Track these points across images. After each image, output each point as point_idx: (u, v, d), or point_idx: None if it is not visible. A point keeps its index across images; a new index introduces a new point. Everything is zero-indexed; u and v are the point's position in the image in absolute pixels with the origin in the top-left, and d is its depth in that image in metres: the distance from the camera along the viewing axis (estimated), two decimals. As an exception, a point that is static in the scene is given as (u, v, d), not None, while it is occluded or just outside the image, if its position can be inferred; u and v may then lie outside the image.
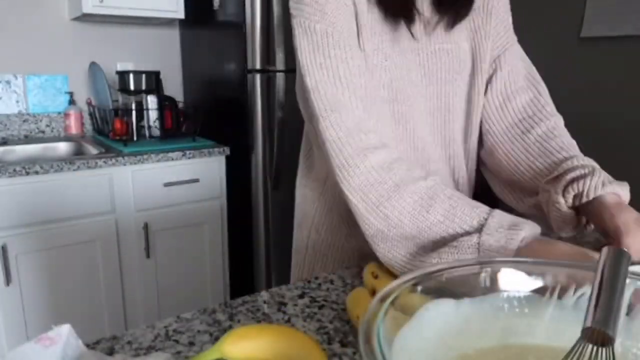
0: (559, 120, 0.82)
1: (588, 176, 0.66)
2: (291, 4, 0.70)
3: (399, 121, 0.77)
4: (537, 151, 0.77)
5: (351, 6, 0.70)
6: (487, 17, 0.83)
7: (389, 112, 0.76)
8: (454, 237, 0.60)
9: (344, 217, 0.83)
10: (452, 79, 0.80)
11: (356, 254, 0.83)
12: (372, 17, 0.72)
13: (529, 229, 0.58)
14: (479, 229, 0.59)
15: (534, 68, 0.89)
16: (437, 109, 0.81)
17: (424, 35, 0.77)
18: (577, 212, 0.69)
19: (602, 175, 0.67)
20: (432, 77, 0.78)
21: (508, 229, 0.58)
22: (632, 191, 0.68)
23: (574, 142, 0.79)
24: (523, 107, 0.83)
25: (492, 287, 0.45)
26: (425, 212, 0.62)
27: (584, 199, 0.66)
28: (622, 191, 0.66)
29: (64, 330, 0.46)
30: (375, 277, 0.62)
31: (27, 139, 2.13)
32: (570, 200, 0.68)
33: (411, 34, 0.74)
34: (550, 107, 0.84)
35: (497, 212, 0.61)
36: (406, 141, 0.79)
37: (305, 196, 0.89)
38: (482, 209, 0.61)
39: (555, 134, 0.78)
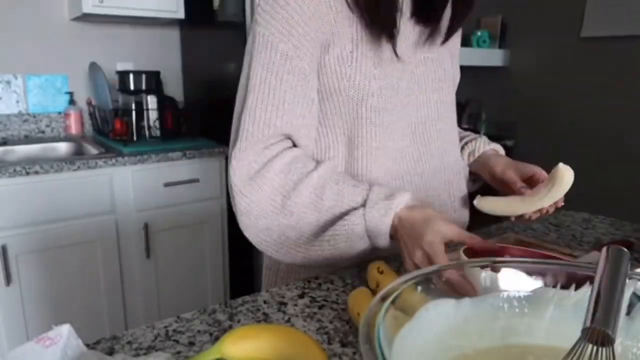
0: None
1: (476, 139, 0.94)
2: (259, 11, 0.69)
3: (386, 129, 0.77)
4: None
5: (328, 26, 0.70)
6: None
7: (378, 121, 0.76)
8: (346, 215, 0.70)
9: None
10: (438, 88, 0.82)
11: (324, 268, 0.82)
12: (358, 30, 0.71)
13: (402, 196, 0.69)
14: (363, 204, 0.70)
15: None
16: (428, 118, 0.82)
17: (411, 44, 0.77)
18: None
19: (484, 138, 0.95)
20: (422, 85, 0.80)
21: (385, 200, 0.69)
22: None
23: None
24: None
25: (492, 287, 0.45)
26: (320, 199, 0.70)
27: (476, 154, 0.92)
28: (498, 148, 0.95)
29: (64, 330, 0.46)
30: (381, 272, 0.63)
31: (27, 139, 2.13)
32: (466, 157, 0.93)
33: (395, 53, 0.73)
34: None
35: (376, 187, 0.72)
36: (388, 150, 0.78)
37: None
38: (363, 186, 0.72)
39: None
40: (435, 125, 0.83)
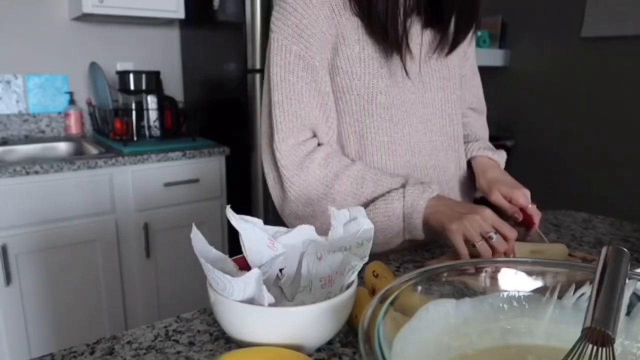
0: (474, 114, 1.01)
1: (471, 142, 0.94)
2: (273, 20, 0.77)
3: (397, 124, 0.82)
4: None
5: (333, 28, 0.76)
6: None
7: (387, 117, 0.81)
8: (387, 193, 0.78)
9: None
10: (443, 86, 0.86)
11: None
12: (363, 33, 0.77)
13: (437, 187, 0.77)
14: (403, 186, 0.77)
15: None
16: (434, 115, 0.86)
17: (417, 46, 0.82)
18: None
19: (484, 144, 0.93)
20: (427, 84, 0.85)
21: (423, 184, 0.77)
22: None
23: (480, 130, 1.01)
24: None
25: (492, 287, 0.45)
26: (360, 187, 0.78)
27: (468, 155, 0.93)
28: (496, 157, 0.91)
29: None
30: (376, 276, 0.62)
31: (27, 139, 2.13)
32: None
33: (405, 71, 0.80)
34: (477, 104, 1.02)
35: (412, 178, 0.80)
36: (404, 144, 0.83)
37: None
38: (400, 177, 0.80)
39: (466, 125, 0.99)
40: (440, 122, 0.87)
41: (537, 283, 0.45)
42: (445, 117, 0.87)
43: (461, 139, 0.92)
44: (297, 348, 0.48)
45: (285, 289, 0.59)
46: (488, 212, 0.69)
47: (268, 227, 0.60)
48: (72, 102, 2.22)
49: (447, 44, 0.82)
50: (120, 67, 2.29)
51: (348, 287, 0.52)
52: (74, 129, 2.21)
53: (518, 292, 0.45)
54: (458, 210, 0.72)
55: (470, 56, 0.94)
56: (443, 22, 0.80)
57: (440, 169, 0.88)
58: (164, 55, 2.45)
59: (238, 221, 0.57)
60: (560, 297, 0.44)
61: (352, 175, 0.78)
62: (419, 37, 0.81)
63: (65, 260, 1.78)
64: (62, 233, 1.74)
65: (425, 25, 0.81)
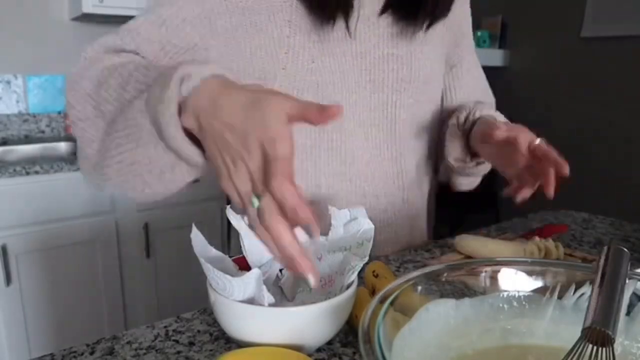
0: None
1: (478, 105, 0.80)
2: None
3: (324, 130, 0.71)
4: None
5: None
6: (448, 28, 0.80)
7: None
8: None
9: None
10: (400, 89, 0.74)
11: None
12: (298, 13, 0.66)
13: (194, 67, 0.46)
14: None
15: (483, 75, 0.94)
16: (382, 120, 0.75)
17: (371, 38, 0.71)
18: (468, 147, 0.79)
19: (484, 105, 0.81)
20: (379, 84, 0.73)
21: (170, 70, 0.48)
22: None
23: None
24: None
25: (492, 287, 0.45)
26: (123, 90, 0.56)
27: (472, 117, 0.77)
28: (500, 117, 0.80)
29: None
30: (376, 276, 0.62)
31: (27, 139, 2.13)
32: (462, 118, 0.79)
33: (347, 29, 0.68)
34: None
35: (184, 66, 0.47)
36: (332, 150, 0.73)
37: None
38: (172, 70, 0.48)
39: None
40: (392, 128, 0.76)
41: (537, 283, 0.45)
42: (401, 123, 0.77)
43: (422, 147, 0.82)
44: (297, 348, 0.48)
45: (285, 289, 0.59)
46: (268, 139, 0.39)
47: None
48: (72, 102, 2.22)
49: (415, 30, 0.72)
50: (120, 67, 2.29)
51: (348, 287, 0.52)
52: (74, 129, 2.21)
53: (518, 292, 0.45)
54: (225, 136, 0.42)
55: (464, 44, 0.85)
56: (413, 12, 0.70)
57: (380, 180, 0.77)
58: (164, 55, 2.45)
59: (238, 221, 0.57)
60: (560, 297, 0.44)
61: (121, 73, 0.58)
62: (373, 26, 0.71)
63: (65, 260, 1.78)
64: (62, 233, 1.74)
65: (392, 15, 0.71)
